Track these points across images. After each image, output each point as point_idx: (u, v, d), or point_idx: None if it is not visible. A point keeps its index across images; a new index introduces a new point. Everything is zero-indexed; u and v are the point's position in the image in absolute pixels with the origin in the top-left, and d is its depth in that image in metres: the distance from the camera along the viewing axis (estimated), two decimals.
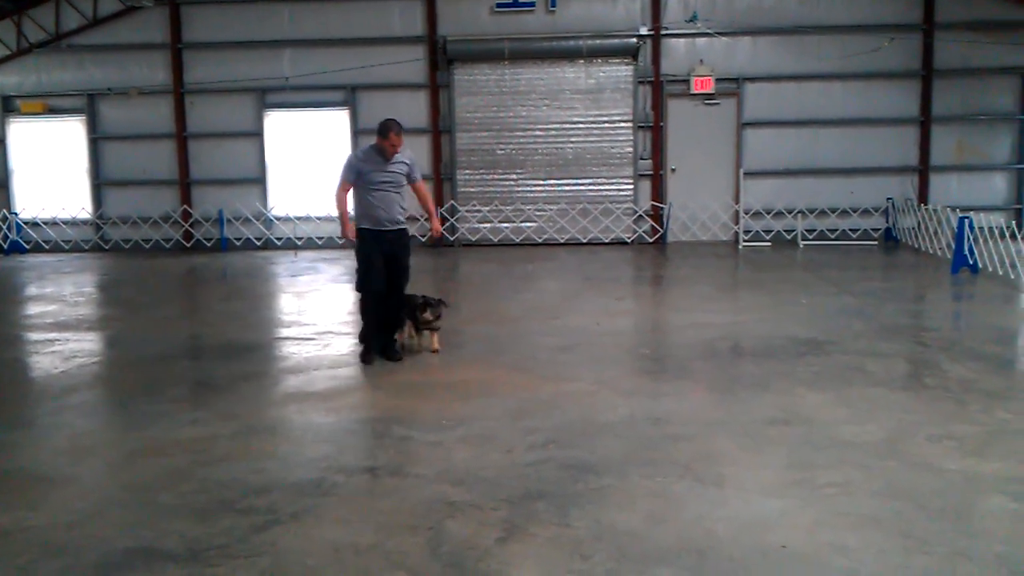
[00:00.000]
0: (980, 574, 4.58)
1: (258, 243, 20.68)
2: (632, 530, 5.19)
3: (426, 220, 19.74)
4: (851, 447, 6.43)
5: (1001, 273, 13.65)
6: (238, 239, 20.86)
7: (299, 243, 20.49)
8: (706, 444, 6.59)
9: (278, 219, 20.78)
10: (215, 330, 11.47)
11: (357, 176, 9.11)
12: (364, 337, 9.41)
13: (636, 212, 19.65)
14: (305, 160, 20.83)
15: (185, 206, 21.03)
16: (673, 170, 19.58)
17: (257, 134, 20.83)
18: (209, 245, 20.92)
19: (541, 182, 19.92)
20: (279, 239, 20.71)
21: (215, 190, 21.00)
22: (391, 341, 9.43)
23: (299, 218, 20.59)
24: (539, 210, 19.81)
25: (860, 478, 5.85)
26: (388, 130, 9.07)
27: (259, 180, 20.93)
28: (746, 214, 19.10)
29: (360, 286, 9.27)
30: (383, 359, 9.29)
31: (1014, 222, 17.01)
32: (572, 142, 19.82)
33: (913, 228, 18.07)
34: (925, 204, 18.37)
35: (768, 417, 7.13)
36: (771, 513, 5.35)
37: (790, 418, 7.12)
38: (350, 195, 9.28)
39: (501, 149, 19.96)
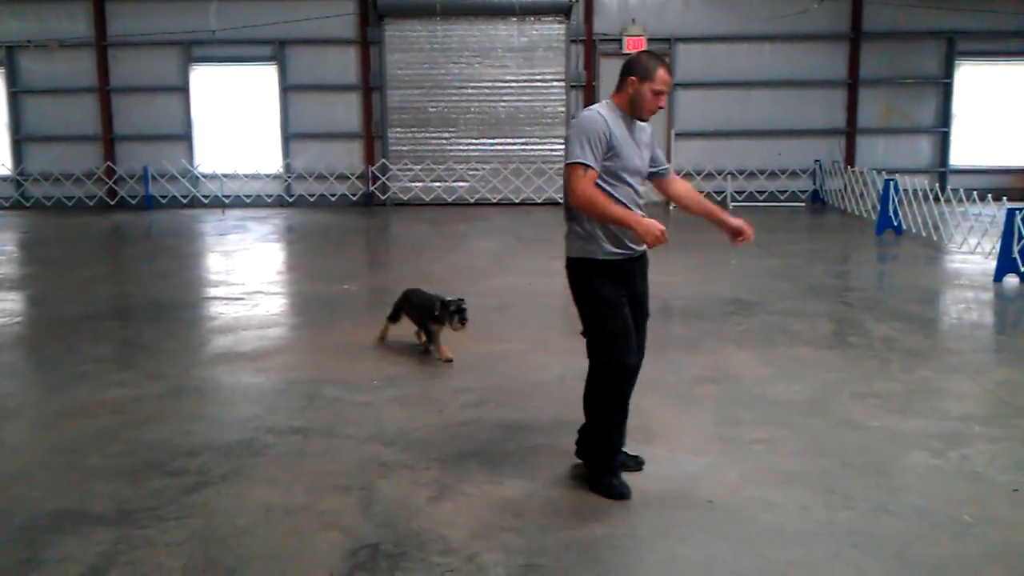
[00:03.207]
0: (900, 527, 4.70)
1: (184, 201, 20.33)
2: (564, 487, 5.23)
3: (358, 179, 19.54)
4: (777, 405, 6.55)
5: (924, 234, 13.95)
6: (164, 197, 20.47)
7: (226, 201, 20.18)
8: (635, 403, 6.59)
9: (205, 176, 20.42)
10: (141, 289, 11.27)
11: (606, 153, 4.91)
12: (606, 447, 5.20)
13: None
14: (233, 116, 20.46)
15: (109, 163, 20.55)
16: None
17: (183, 89, 20.40)
18: (134, 203, 20.51)
19: (473, 141, 19.83)
20: (206, 197, 20.37)
21: (140, 146, 20.55)
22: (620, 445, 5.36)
23: (226, 175, 20.26)
24: (471, 169, 19.74)
25: (785, 435, 5.97)
26: (656, 66, 5.01)
27: (185, 136, 20.53)
28: (677, 175, 19.23)
29: (608, 359, 5.04)
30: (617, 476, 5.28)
31: (937, 184, 17.35)
32: (504, 101, 19.73)
33: (840, 190, 18.36)
34: (852, 166, 18.66)
35: (696, 376, 7.23)
36: (698, 470, 5.44)
37: (718, 377, 7.23)
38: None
39: (433, 107, 19.80)
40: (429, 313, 7.68)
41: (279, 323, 9.30)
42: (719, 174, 19.26)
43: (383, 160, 19.71)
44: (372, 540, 4.59)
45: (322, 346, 8.38)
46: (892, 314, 9.37)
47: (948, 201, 14.72)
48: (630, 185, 5.03)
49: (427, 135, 19.87)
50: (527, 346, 8.22)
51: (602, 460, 5.19)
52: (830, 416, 6.34)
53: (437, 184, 19.77)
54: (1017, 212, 10.93)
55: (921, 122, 19.94)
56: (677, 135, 19.32)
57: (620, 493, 5.06)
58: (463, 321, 7.54)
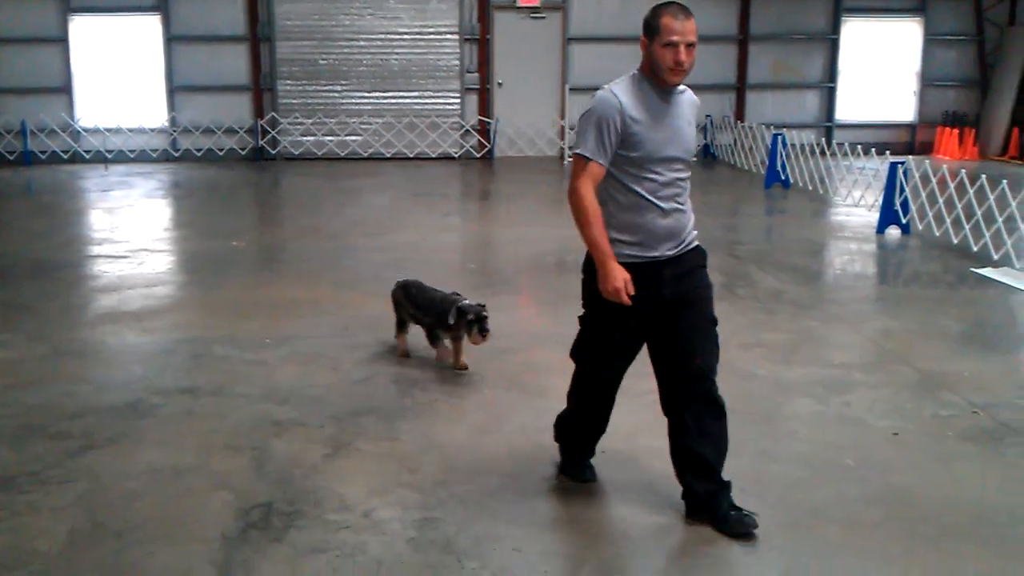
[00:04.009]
0: (784, 472, 4.85)
1: (65, 156, 19.58)
2: (460, 442, 5.26)
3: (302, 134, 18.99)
4: None
5: (811, 188, 14.28)
6: (43, 152, 19.68)
7: (109, 156, 19.51)
8: (532, 356, 6.71)
9: (86, 131, 19.69)
10: (20, 248, 10.85)
11: (622, 143, 4.10)
12: (564, 436, 4.85)
13: (463, 127, 19.55)
14: (115, 68, 19.73)
15: None
16: (500, 84, 19.53)
17: (62, 40, 19.58)
18: (11, 159, 19.68)
19: (366, 94, 19.52)
20: (88, 152, 19.66)
21: (16, 100, 19.67)
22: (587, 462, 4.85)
23: (109, 130, 19.57)
24: (364, 123, 19.45)
25: None
26: (661, 15, 4.11)
27: (65, 89, 19.73)
28: (571, 130, 19.27)
29: (581, 354, 4.58)
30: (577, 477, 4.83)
31: (824, 139, 17.76)
32: (397, 53, 19.45)
33: (730, 144, 18.65)
34: (741, 121, 18.96)
35: None
36: None
37: None
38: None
39: (324, 59, 19.41)
40: (439, 319, 6.33)
41: (166, 281, 9.08)
42: None
43: (272, 114, 19.28)
44: (265, 499, 4.55)
45: (211, 304, 8.21)
46: (779, 266, 9.60)
47: (834, 155, 15.08)
48: (658, 177, 4.11)
49: (318, 88, 19.48)
50: None
51: (567, 453, 4.82)
52: (723, 367, 6.45)
53: (329, 138, 19.44)
54: (899, 166, 11.26)
55: (809, 78, 20.34)
56: (571, 90, 19.34)
57: (569, 471, 4.79)
58: (484, 333, 6.07)
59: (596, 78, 19.99)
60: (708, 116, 19.50)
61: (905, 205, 11.15)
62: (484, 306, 6.19)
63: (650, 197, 4.13)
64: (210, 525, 4.30)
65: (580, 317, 4.47)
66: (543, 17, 19.53)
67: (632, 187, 4.13)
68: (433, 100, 19.54)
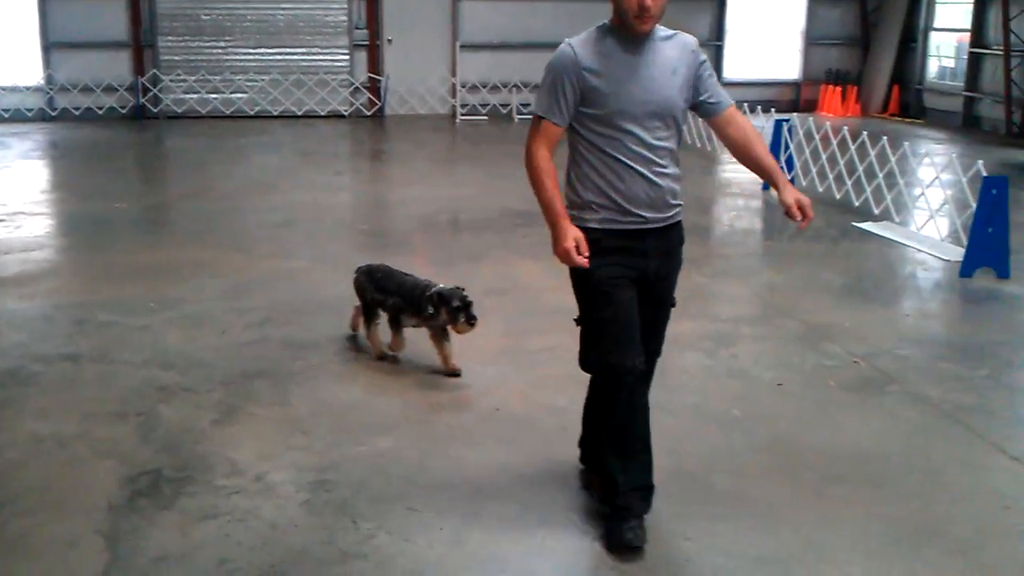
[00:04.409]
0: (676, 424, 4.94)
1: None
2: (352, 403, 5.22)
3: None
4: (561, 313, 6.62)
5: (699, 145, 14.47)
6: None
7: None
8: None
9: None
10: None
11: (583, 100, 3.75)
12: (608, 480, 3.97)
13: (353, 84, 19.24)
14: None
15: None
16: (390, 41, 19.25)
17: None
18: None
19: (251, 50, 19.02)
20: None
21: None
22: (646, 486, 4.00)
23: None
24: (250, 81, 18.98)
25: (570, 343, 6.01)
26: None
27: None
28: (463, 87, 19.16)
29: (591, 356, 3.99)
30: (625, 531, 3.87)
31: None
32: (283, 9, 18.97)
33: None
34: None
35: (486, 287, 7.28)
36: (487, 379, 5.53)
37: (507, 288, 7.33)
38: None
39: (207, 14, 18.83)
40: (408, 301, 5.63)
41: (45, 245, 8.75)
42: (505, 87, 19.31)
43: (154, 71, 18.67)
44: (153, 466, 4.45)
45: (93, 269, 7.95)
46: None
47: None
48: (632, 137, 3.68)
49: (201, 44, 18.90)
50: (312, 263, 8.07)
51: (607, 495, 3.96)
52: None
53: (214, 96, 18.92)
54: (784, 123, 11.49)
55: (697, 35, 20.55)
56: (462, 47, 19.20)
57: (622, 542, 3.80)
58: (472, 321, 5.38)
59: (488, 35, 19.94)
60: None
61: (790, 161, 11.39)
62: (464, 290, 5.46)
63: (624, 159, 3.70)
64: (97, 494, 4.19)
65: (576, 319, 3.98)
66: None
67: (604, 148, 3.72)
68: (321, 57, 19.16)
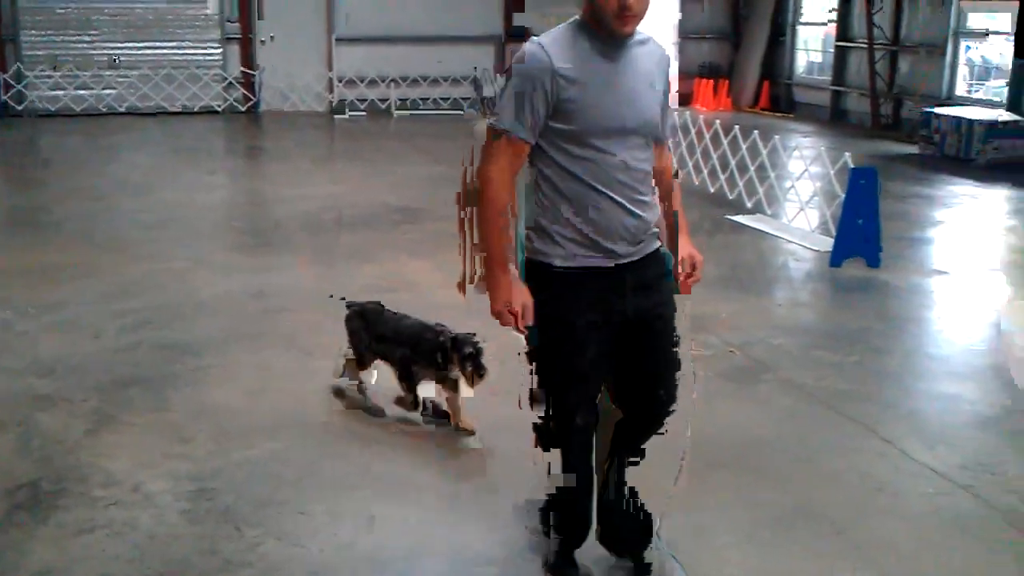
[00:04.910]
0: None
1: None
2: (234, 407, 5.13)
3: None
4: (446, 308, 6.65)
5: None
6: None
7: None
8: (308, 316, 6.60)
9: None
10: None
11: (554, 112, 3.14)
12: (557, 522, 3.60)
13: (226, 79, 18.82)
14: None
15: None
16: (264, 41, 18.86)
17: None
18: None
19: (119, 45, 18.43)
20: None
21: None
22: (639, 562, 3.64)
23: None
24: (121, 76, 18.40)
25: None
26: None
27: None
28: (340, 82, 18.95)
29: (546, 408, 3.40)
30: None
31: None
32: (144, 2, 18.39)
33: (492, 98, 18.80)
34: (502, 73, 19.16)
35: (369, 285, 7.20)
36: (368, 380, 5.48)
37: (391, 285, 7.26)
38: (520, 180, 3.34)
39: (71, 7, 18.17)
40: (416, 350, 4.87)
41: None
42: (383, 81, 19.17)
43: (17, 66, 17.95)
44: (32, 478, 4.31)
45: None
46: None
47: None
48: (607, 158, 3.13)
49: (66, 38, 18.24)
50: (190, 264, 7.89)
51: (562, 546, 3.59)
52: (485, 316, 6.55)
53: (83, 92, 18.26)
54: None
55: None
56: (338, 41, 18.99)
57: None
58: (480, 372, 4.59)
59: (364, 29, 19.69)
60: (475, 67, 19.58)
61: None
62: (475, 336, 4.65)
63: (599, 185, 3.14)
64: None
65: (526, 353, 3.36)
66: None
67: (572, 170, 3.14)
68: (192, 51, 18.69)
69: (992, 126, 13.29)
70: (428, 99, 19.24)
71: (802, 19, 20.18)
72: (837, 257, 7.99)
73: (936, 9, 16.05)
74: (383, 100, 18.87)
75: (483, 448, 4.69)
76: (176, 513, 4.04)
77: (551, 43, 3.11)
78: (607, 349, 3.30)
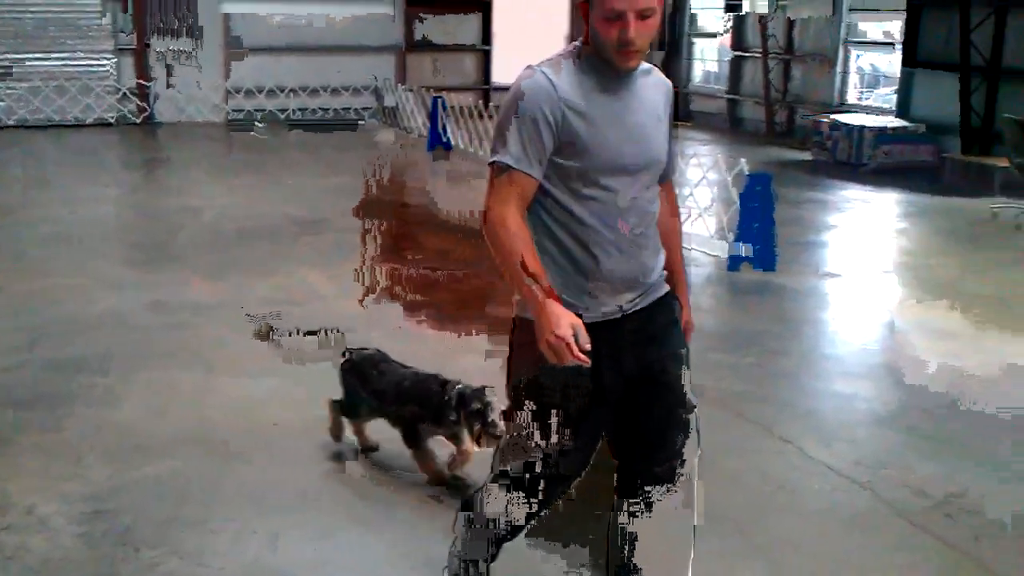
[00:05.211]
0: None
1: None
2: (129, 426, 4.99)
3: None
4: (346, 319, 6.61)
5: (471, 150, 14.61)
6: None
7: None
8: (203, 331, 6.48)
9: None
10: None
11: (561, 147, 2.82)
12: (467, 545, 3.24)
13: (119, 90, 18.35)
14: None
15: None
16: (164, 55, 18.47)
17: None
18: None
19: (9, 56, 17.84)
20: None
21: None
22: None
23: None
24: (9, 88, 17.78)
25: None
26: None
27: None
28: (237, 93, 18.65)
29: (526, 478, 3.02)
30: None
31: (481, 101, 18.21)
32: (32, 12, 17.84)
33: (394, 107, 18.73)
34: (404, 84, 19.09)
35: (266, 298, 7.12)
36: (264, 393, 5.41)
37: (290, 298, 7.18)
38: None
39: None
40: (424, 407, 4.32)
41: None
42: (281, 92, 18.93)
43: None
44: None
45: None
46: (444, 227, 9.83)
47: (492, 117, 15.46)
48: (613, 197, 2.84)
49: None
50: (83, 279, 7.65)
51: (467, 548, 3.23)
52: (389, 327, 6.53)
53: None
54: None
55: (465, 40, 20.79)
56: (234, 52, 18.70)
57: None
58: (490, 431, 4.01)
59: (258, 39, 19.39)
60: (375, 78, 19.47)
61: None
62: (484, 390, 4.12)
63: (603, 228, 2.84)
64: None
65: (506, 414, 3.10)
66: None
67: (573, 211, 2.83)
68: (83, 62, 18.17)
69: (881, 132, 13.71)
70: (328, 109, 19.07)
71: (697, 30, 20.57)
72: (735, 261, 8.14)
73: (827, 19, 16.53)
74: (282, 110, 18.63)
75: (396, 466, 4.65)
76: (71, 536, 3.92)
77: (555, 71, 2.82)
78: (607, 412, 2.96)
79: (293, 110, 18.55)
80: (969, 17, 12.91)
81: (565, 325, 2.66)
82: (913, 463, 4.73)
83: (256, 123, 17.79)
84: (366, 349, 4.72)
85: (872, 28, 16.70)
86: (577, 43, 2.89)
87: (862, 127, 13.94)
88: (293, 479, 4.45)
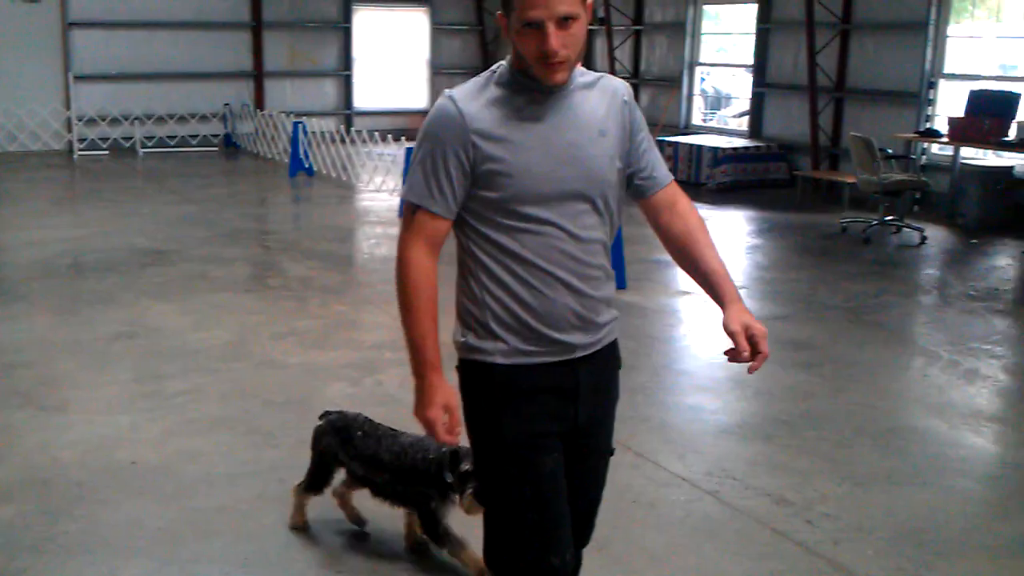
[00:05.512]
0: None
1: None
2: None
3: None
4: (199, 354, 6.47)
5: (334, 175, 14.52)
6: None
7: None
8: (48, 369, 6.21)
9: None
10: None
11: (477, 179, 2.57)
12: None
13: None
14: None
15: None
16: None
17: None
18: None
19: None
20: None
21: None
22: None
23: None
24: None
25: (208, 383, 5.93)
26: None
27: None
28: (80, 121, 18.01)
29: (502, 556, 2.73)
30: None
31: (343, 126, 18.12)
32: None
33: (251, 133, 18.46)
34: (261, 109, 18.83)
35: (113, 333, 6.89)
36: (119, 431, 5.22)
37: (136, 331, 6.96)
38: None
39: None
40: (430, 483, 3.77)
41: None
42: (126, 119, 18.39)
43: None
44: None
45: None
46: (308, 254, 9.68)
47: (354, 142, 15.42)
48: (548, 229, 2.56)
49: None
50: None
51: None
52: (252, 359, 6.41)
53: None
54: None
55: (325, 65, 20.65)
56: (77, 79, 18.07)
57: None
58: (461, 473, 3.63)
59: (105, 65, 18.84)
60: (227, 104, 19.14)
61: None
62: (460, 451, 3.61)
63: (541, 262, 2.57)
64: None
65: (475, 493, 2.92)
66: (37, 2, 17.98)
67: (506, 246, 2.58)
68: None
69: (719, 152, 14.19)
70: (176, 136, 18.61)
71: None
72: None
73: (672, 43, 17.04)
74: (127, 138, 18.08)
75: (243, 506, 4.54)
76: None
77: (465, 96, 2.58)
78: (563, 462, 2.70)
79: (143, 138, 18.03)
80: (814, 39, 13.49)
81: (436, 407, 2.58)
82: (772, 471, 4.88)
83: (102, 150, 17.18)
84: (345, 412, 4.17)
85: (713, 53, 17.28)
86: (503, 61, 2.67)
87: (700, 147, 14.44)
88: (149, 519, 4.30)
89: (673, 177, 2.84)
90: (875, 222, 10.76)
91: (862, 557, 4.09)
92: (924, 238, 10.48)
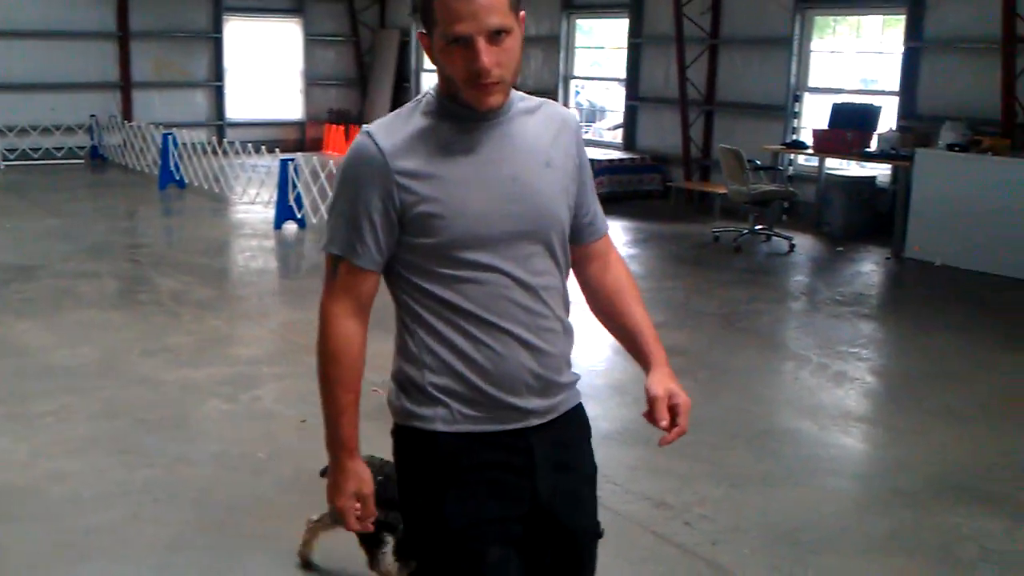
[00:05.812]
0: (199, 474, 4.80)
1: None
2: None
3: None
4: (66, 372, 6.24)
5: (207, 187, 14.20)
6: None
7: None
8: None
9: None
10: None
11: (406, 224, 2.21)
12: None
13: None
14: None
15: None
16: None
17: None
18: None
19: None
20: None
21: None
22: None
23: None
24: None
25: (77, 402, 5.72)
26: None
27: None
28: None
29: None
30: None
31: (215, 138, 17.75)
32: None
33: (119, 145, 17.93)
34: (129, 121, 18.31)
35: None
36: None
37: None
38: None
39: None
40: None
41: None
42: None
43: None
44: None
45: None
46: (180, 268, 9.43)
47: (227, 154, 15.11)
48: (490, 276, 2.22)
49: None
50: None
51: None
52: (122, 377, 6.21)
53: None
54: (290, 163, 11.61)
55: (195, 76, 20.20)
56: None
57: None
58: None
59: (24, 76, 18.03)
60: (93, 116, 18.55)
61: (299, 200, 11.54)
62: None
63: (482, 312, 2.22)
64: None
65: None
66: None
67: (445, 298, 2.23)
68: None
69: (594, 164, 14.34)
70: (40, 149, 17.94)
71: (425, 66, 20.89)
72: None
73: (547, 56, 17.22)
74: None
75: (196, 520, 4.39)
76: None
77: (385, 131, 2.22)
78: (515, 551, 2.30)
79: (5, 150, 17.32)
80: (684, 54, 13.81)
81: (347, 496, 2.30)
82: (652, 476, 4.95)
83: None
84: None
85: (587, 67, 17.55)
86: (430, 89, 2.27)
87: None
88: (16, 538, 4.12)
89: (608, 226, 2.58)
90: (746, 231, 11.07)
91: (739, 557, 4.19)
92: (792, 246, 10.82)
